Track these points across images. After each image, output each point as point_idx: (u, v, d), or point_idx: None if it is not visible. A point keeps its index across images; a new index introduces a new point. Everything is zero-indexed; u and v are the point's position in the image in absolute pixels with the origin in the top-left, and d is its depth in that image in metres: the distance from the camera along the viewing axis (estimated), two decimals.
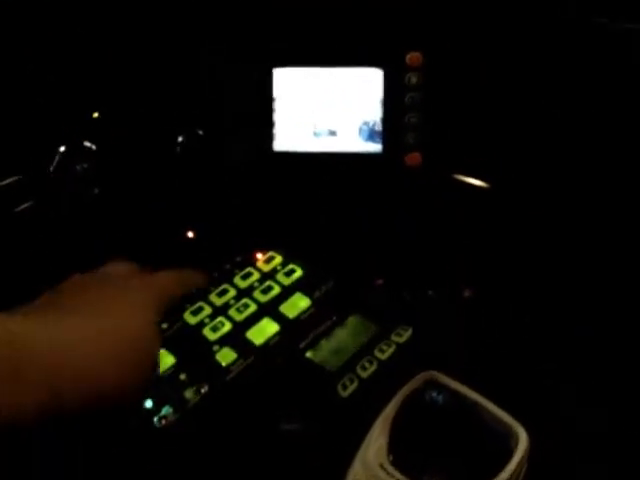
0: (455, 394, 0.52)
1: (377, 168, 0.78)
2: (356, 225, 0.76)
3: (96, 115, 0.76)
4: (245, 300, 0.67)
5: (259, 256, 0.73)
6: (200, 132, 0.80)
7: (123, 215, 0.76)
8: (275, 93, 0.77)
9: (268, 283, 0.69)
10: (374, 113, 0.77)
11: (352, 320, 0.64)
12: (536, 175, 0.76)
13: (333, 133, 0.77)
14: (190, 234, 0.77)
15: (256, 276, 0.70)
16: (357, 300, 0.66)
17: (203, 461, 0.54)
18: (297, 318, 0.65)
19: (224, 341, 0.63)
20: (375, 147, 0.77)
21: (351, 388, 0.57)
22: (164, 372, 0.60)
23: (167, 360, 0.61)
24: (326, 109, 0.77)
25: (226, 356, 0.61)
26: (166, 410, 0.57)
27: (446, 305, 0.67)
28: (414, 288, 0.68)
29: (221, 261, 0.72)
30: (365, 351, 0.60)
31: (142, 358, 0.47)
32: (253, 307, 0.66)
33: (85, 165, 0.73)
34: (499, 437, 0.49)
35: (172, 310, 0.56)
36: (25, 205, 0.71)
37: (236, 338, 0.63)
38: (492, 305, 0.67)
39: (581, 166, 0.74)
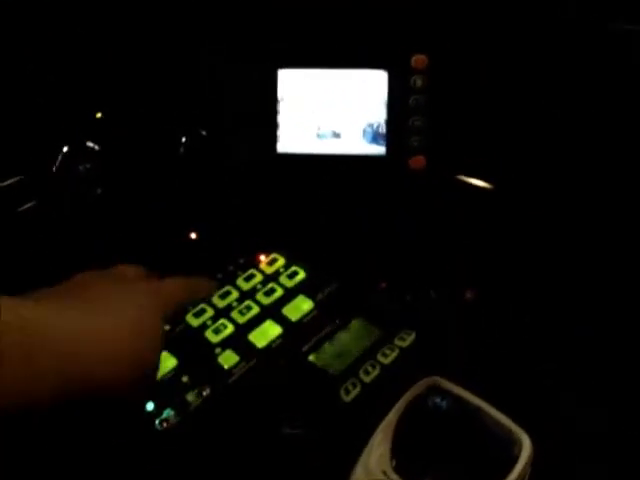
0: (458, 400, 0.52)
1: (381, 171, 0.78)
2: (359, 228, 0.76)
3: (99, 115, 0.76)
4: (248, 302, 0.67)
5: (262, 258, 0.73)
6: (203, 133, 0.79)
7: (126, 215, 0.76)
8: (279, 94, 0.77)
9: (271, 285, 0.69)
10: (378, 115, 0.76)
11: (355, 324, 0.63)
12: (540, 177, 0.76)
13: (337, 135, 0.77)
14: (193, 235, 0.77)
15: (259, 278, 0.70)
16: (360, 303, 0.66)
17: (204, 464, 0.54)
18: (300, 321, 0.65)
19: (226, 343, 0.63)
20: (379, 149, 0.77)
21: (354, 393, 0.56)
22: (166, 374, 0.60)
23: (169, 362, 0.61)
24: (330, 111, 0.77)
25: (228, 359, 0.61)
26: (168, 413, 0.57)
27: (449, 308, 0.67)
28: (417, 291, 0.68)
29: (224, 263, 0.72)
30: (368, 355, 0.60)
31: (147, 355, 0.48)
32: (256, 309, 0.66)
33: (88, 165, 0.73)
34: (502, 443, 0.49)
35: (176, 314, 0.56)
36: (28, 205, 0.70)
37: (238, 341, 0.63)
38: (495, 308, 0.67)
39: (582, 168, 0.74)
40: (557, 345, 0.62)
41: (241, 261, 0.73)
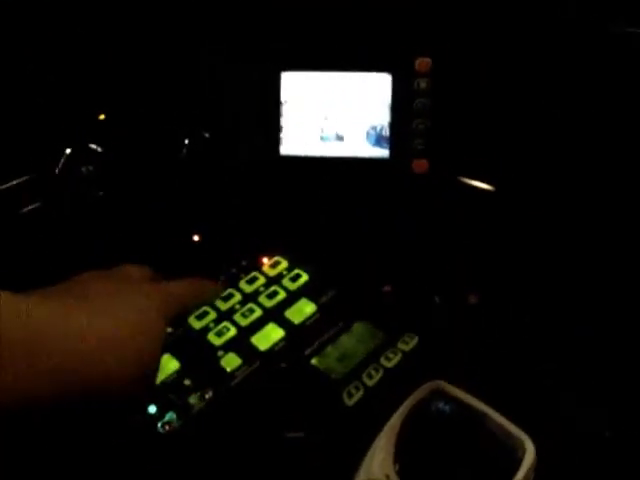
0: (462, 404, 0.52)
1: (384, 174, 0.78)
2: (362, 231, 0.76)
3: (102, 117, 0.76)
4: (250, 305, 0.67)
5: (265, 260, 0.73)
6: (206, 135, 0.79)
7: (128, 217, 0.76)
8: (283, 97, 0.77)
9: (273, 288, 0.69)
10: (382, 118, 0.76)
11: (358, 327, 0.63)
12: (544, 180, 0.76)
13: (340, 138, 0.77)
14: (196, 237, 0.77)
15: (262, 281, 0.70)
16: (363, 307, 0.66)
17: (207, 467, 0.53)
18: (302, 324, 0.65)
19: (229, 346, 0.63)
20: (382, 152, 0.77)
21: (357, 396, 0.56)
22: (168, 377, 0.59)
23: (171, 365, 0.60)
24: (334, 114, 0.77)
25: (231, 361, 0.61)
26: (170, 416, 0.56)
27: (452, 312, 0.66)
28: (421, 295, 0.68)
29: (226, 265, 0.72)
30: (371, 359, 0.60)
31: (147, 355, 0.48)
32: (258, 312, 0.66)
33: (91, 167, 0.73)
34: (506, 448, 0.49)
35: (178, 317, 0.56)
36: (31, 206, 0.70)
37: (241, 343, 0.63)
38: (498, 312, 0.66)
39: (583, 169, 0.74)
40: (557, 345, 0.62)
41: (244, 264, 0.73)
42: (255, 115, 0.78)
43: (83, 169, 0.72)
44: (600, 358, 0.60)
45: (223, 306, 0.67)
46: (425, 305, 0.67)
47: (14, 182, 0.70)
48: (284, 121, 0.78)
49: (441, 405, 0.52)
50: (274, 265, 0.72)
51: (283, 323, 0.65)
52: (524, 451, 0.48)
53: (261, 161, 0.79)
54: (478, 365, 0.59)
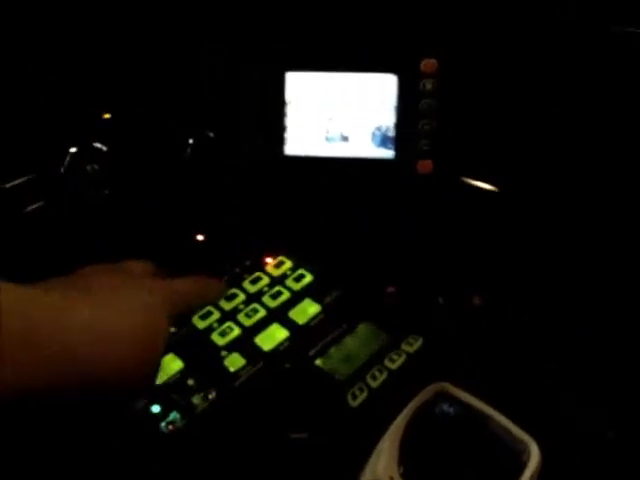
0: (466, 406, 0.51)
1: (389, 174, 0.78)
2: (366, 231, 0.75)
3: (107, 116, 0.76)
4: (254, 305, 0.67)
5: (269, 260, 0.73)
6: (211, 134, 0.79)
7: (133, 216, 0.76)
8: (287, 97, 0.77)
9: (277, 288, 0.69)
10: (387, 119, 0.76)
11: (362, 328, 0.63)
12: (549, 182, 0.76)
13: (345, 138, 0.77)
14: (200, 237, 0.77)
15: (265, 281, 0.70)
16: (367, 308, 0.65)
17: (210, 467, 0.53)
18: (306, 324, 0.65)
19: (233, 346, 0.63)
20: (387, 153, 0.77)
21: (361, 398, 0.56)
22: (172, 377, 0.59)
23: (175, 365, 0.60)
24: (339, 114, 0.77)
25: (235, 362, 0.61)
26: (173, 416, 0.56)
27: (456, 313, 0.66)
28: (425, 296, 0.68)
29: (230, 265, 0.72)
30: (375, 360, 0.59)
31: (148, 353, 0.47)
32: (262, 312, 0.66)
33: (96, 166, 0.73)
34: (511, 451, 0.49)
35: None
36: (35, 205, 0.70)
37: (245, 343, 0.63)
38: (502, 313, 0.66)
39: (586, 171, 0.74)
40: (557, 345, 0.62)
41: (247, 264, 0.73)
42: (260, 115, 0.78)
43: (88, 168, 0.72)
44: (600, 358, 0.60)
45: (227, 306, 0.67)
46: (429, 307, 0.67)
47: (19, 180, 0.70)
48: (289, 121, 0.77)
49: (445, 407, 0.52)
50: (278, 265, 0.72)
51: (287, 323, 0.65)
52: (529, 454, 0.47)
53: (265, 161, 0.79)
54: (483, 367, 0.59)
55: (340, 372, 0.59)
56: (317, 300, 0.67)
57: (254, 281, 0.70)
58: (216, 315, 0.66)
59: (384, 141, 0.77)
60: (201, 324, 0.65)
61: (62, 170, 0.71)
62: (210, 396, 0.58)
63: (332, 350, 0.61)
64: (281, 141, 0.78)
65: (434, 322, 0.64)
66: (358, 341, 0.62)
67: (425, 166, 0.77)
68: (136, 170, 0.76)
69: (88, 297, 0.46)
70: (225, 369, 0.60)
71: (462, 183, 0.79)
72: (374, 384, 0.57)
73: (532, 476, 0.46)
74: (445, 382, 0.53)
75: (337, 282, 0.69)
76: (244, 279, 0.70)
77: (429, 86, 0.75)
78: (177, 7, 0.79)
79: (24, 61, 0.73)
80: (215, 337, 0.64)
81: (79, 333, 0.42)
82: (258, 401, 0.58)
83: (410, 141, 0.76)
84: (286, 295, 0.68)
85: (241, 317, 0.66)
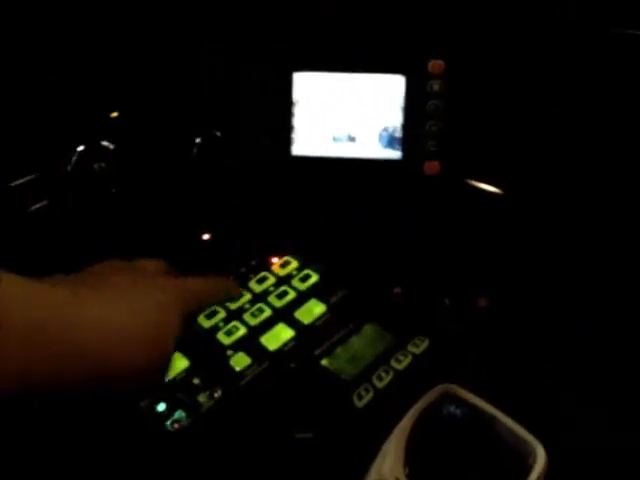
0: (473, 408, 0.51)
1: (396, 175, 0.78)
2: (372, 232, 0.75)
3: (114, 115, 0.76)
4: (260, 305, 0.67)
5: (275, 260, 0.73)
6: (218, 134, 0.79)
7: (139, 215, 0.76)
8: (295, 97, 0.77)
9: (283, 288, 0.69)
10: (394, 120, 0.76)
11: (368, 328, 0.63)
12: (554, 184, 0.76)
13: (352, 139, 0.77)
14: (206, 236, 0.77)
15: (271, 280, 0.70)
16: (373, 308, 0.65)
17: (215, 466, 0.53)
18: (312, 324, 0.64)
19: (238, 346, 0.63)
20: (394, 154, 0.77)
21: (367, 398, 0.56)
22: (177, 376, 0.59)
23: (181, 363, 0.60)
24: (346, 114, 0.77)
25: (240, 361, 0.61)
26: (179, 414, 0.56)
27: (462, 315, 0.66)
28: (431, 297, 0.68)
29: (236, 264, 0.72)
30: (381, 361, 0.59)
31: (158, 351, 0.47)
32: (268, 312, 0.66)
33: (103, 164, 0.73)
34: (517, 453, 0.48)
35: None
36: (41, 204, 0.70)
37: (250, 343, 0.63)
38: (508, 315, 0.66)
39: (589, 174, 0.74)
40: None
41: (253, 263, 0.73)
42: (267, 115, 0.78)
43: (95, 166, 0.72)
44: (600, 358, 0.60)
45: (232, 305, 0.67)
46: (435, 308, 0.67)
47: (26, 179, 0.70)
48: (296, 121, 0.78)
49: (452, 408, 0.52)
50: (284, 265, 0.72)
51: (293, 323, 0.65)
52: (535, 456, 0.47)
53: (272, 161, 0.79)
54: (489, 369, 0.59)
55: (346, 372, 0.59)
56: (323, 300, 0.67)
57: (260, 281, 0.70)
58: (222, 314, 0.66)
59: (391, 142, 0.77)
60: (207, 323, 0.65)
61: (69, 168, 0.71)
62: (216, 395, 0.58)
63: (338, 350, 0.61)
64: (288, 141, 0.78)
65: (440, 323, 0.64)
66: (364, 341, 0.62)
67: (432, 167, 0.77)
68: (143, 169, 0.76)
69: (98, 294, 0.46)
70: (231, 368, 0.60)
71: (469, 185, 0.79)
72: (380, 385, 0.57)
73: (538, 478, 0.46)
74: (451, 383, 0.53)
75: (343, 282, 0.69)
76: (250, 279, 0.70)
77: (436, 87, 0.75)
78: (187, 6, 0.79)
79: (32, 60, 0.73)
80: (221, 336, 0.64)
81: (87, 330, 0.42)
82: (263, 400, 0.58)
83: (417, 142, 0.76)
84: (292, 295, 0.68)
85: (247, 316, 0.66)
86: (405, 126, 0.76)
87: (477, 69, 0.76)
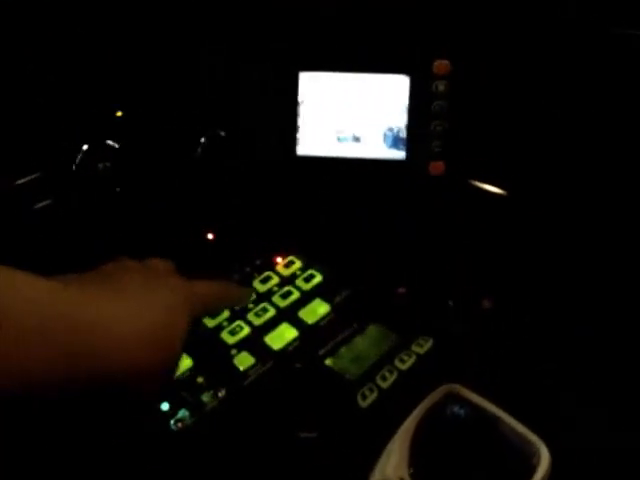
0: (476, 408, 0.51)
1: (400, 175, 0.78)
2: (376, 232, 0.75)
3: (119, 114, 0.76)
4: (264, 304, 0.67)
5: (279, 260, 0.73)
6: (223, 134, 0.79)
7: (143, 214, 0.76)
8: (300, 97, 0.77)
9: (287, 288, 0.69)
10: (399, 120, 0.76)
11: (372, 329, 0.63)
12: (557, 182, 0.76)
13: (357, 139, 0.77)
14: (210, 236, 0.77)
15: (275, 280, 0.70)
16: (377, 308, 0.65)
17: (218, 465, 0.53)
18: (316, 324, 0.65)
19: (242, 345, 0.63)
20: (399, 154, 0.77)
21: (371, 398, 0.56)
22: (181, 375, 0.59)
23: (185, 363, 0.60)
24: (351, 115, 0.77)
25: (244, 360, 0.61)
26: (182, 413, 0.56)
27: (466, 315, 0.66)
28: (435, 297, 0.67)
29: (240, 264, 0.72)
30: (385, 361, 0.59)
31: (167, 352, 0.47)
32: (272, 311, 0.66)
33: (107, 164, 0.73)
34: (521, 453, 0.48)
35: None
36: (45, 202, 0.70)
37: (254, 343, 0.63)
38: (512, 316, 0.66)
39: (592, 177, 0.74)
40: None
41: (258, 263, 0.73)
42: (272, 115, 0.78)
43: (100, 165, 0.72)
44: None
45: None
46: (439, 308, 0.67)
47: (30, 177, 0.70)
48: (301, 121, 0.78)
49: (456, 409, 0.52)
50: (288, 265, 0.72)
51: (297, 323, 0.65)
52: (539, 456, 0.47)
53: (277, 161, 0.79)
54: (493, 369, 0.59)
55: (350, 372, 0.59)
56: (327, 300, 0.67)
57: (264, 280, 0.70)
58: (226, 314, 0.66)
59: (396, 142, 0.77)
60: (211, 322, 0.65)
61: (74, 167, 0.71)
62: (220, 394, 0.58)
63: (342, 350, 0.61)
64: (293, 141, 0.78)
65: (444, 324, 0.64)
66: (368, 341, 0.62)
67: (437, 167, 0.77)
68: (147, 168, 0.76)
69: (109, 294, 0.45)
70: (235, 368, 0.61)
71: (473, 186, 0.79)
72: (384, 385, 0.57)
73: (542, 478, 0.46)
74: (455, 383, 0.53)
75: (347, 282, 0.69)
76: (254, 278, 0.70)
77: (441, 87, 0.75)
78: (193, 6, 0.79)
79: (37, 59, 0.73)
80: (225, 336, 0.64)
81: (98, 330, 0.42)
82: (267, 400, 0.58)
83: (422, 142, 0.76)
84: (296, 295, 0.68)
85: (251, 316, 0.66)
86: (410, 126, 0.76)
87: (482, 70, 0.76)
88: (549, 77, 0.75)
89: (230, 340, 0.63)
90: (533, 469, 0.47)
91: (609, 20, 0.71)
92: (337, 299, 0.67)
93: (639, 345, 0.60)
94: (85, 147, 0.72)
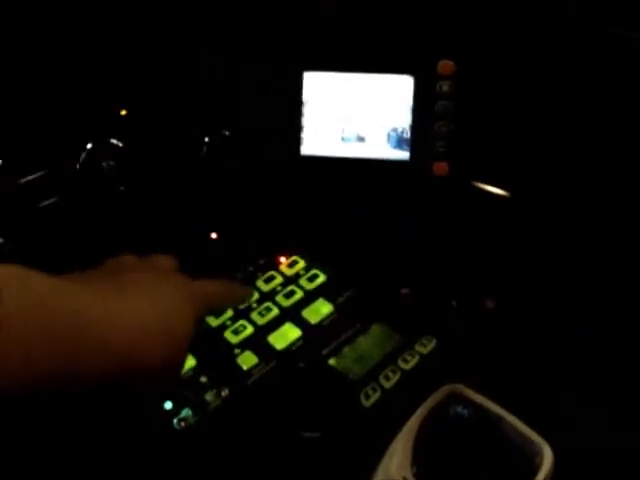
0: (480, 408, 0.51)
1: (404, 176, 0.78)
2: (380, 232, 0.75)
3: (124, 113, 0.76)
4: (267, 304, 0.67)
5: (282, 260, 0.73)
6: (227, 133, 0.79)
7: (147, 214, 0.76)
8: (305, 97, 0.77)
9: (291, 287, 0.69)
10: (403, 120, 0.76)
11: (375, 328, 0.63)
12: (561, 186, 0.76)
13: (361, 139, 0.77)
14: (213, 235, 0.77)
15: (279, 280, 0.70)
16: (381, 308, 0.65)
17: (221, 465, 0.53)
18: (319, 324, 0.65)
19: (246, 344, 0.63)
20: (403, 154, 0.77)
21: (374, 398, 0.56)
22: (185, 374, 0.59)
23: (188, 362, 0.60)
24: (355, 115, 0.77)
25: (247, 360, 0.61)
26: (186, 412, 0.57)
27: (469, 316, 0.66)
28: (438, 298, 0.67)
29: (244, 263, 0.72)
30: (388, 360, 0.59)
31: (174, 349, 0.47)
32: (275, 311, 0.66)
33: (111, 162, 0.73)
34: (524, 453, 0.48)
35: None
36: (51, 200, 0.71)
37: (258, 342, 0.63)
38: (515, 316, 0.66)
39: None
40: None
41: (261, 262, 0.73)
42: (276, 115, 0.78)
43: (104, 164, 0.72)
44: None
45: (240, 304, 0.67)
46: (442, 308, 0.66)
47: (34, 175, 0.70)
48: (305, 121, 0.78)
49: (459, 409, 0.52)
50: (291, 265, 0.72)
51: (300, 323, 0.65)
52: (542, 456, 0.47)
53: (281, 161, 0.79)
54: (496, 369, 0.59)
55: (353, 372, 0.59)
56: (330, 300, 0.67)
57: (267, 280, 0.70)
58: (229, 313, 0.66)
59: (400, 142, 0.77)
60: (214, 322, 0.65)
61: (78, 166, 0.71)
62: (223, 393, 0.58)
63: (345, 350, 0.61)
64: (297, 141, 0.78)
65: (447, 324, 0.64)
66: (371, 341, 0.62)
67: (441, 168, 0.77)
68: (151, 167, 0.77)
69: (114, 290, 0.45)
70: (238, 367, 0.61)
71: (476, 187, 0.79)
72: (387, 384, 0.57)
73: (545, 478, 0.46)
74: (458, 383, 0.53)
75: (350, 282, 0.69)
76: (257, 278, 0.71)
77: (446, 88, 0.75)
78: (197, 6, 0.79)
79: (42, 59, 0.73)
80: (228, 335, 0.64)
81: (109, 327, 0.42)
82: (271, 400, 0.58)
83: (426, 143, 0.76)
84: (299, 294, 0.68)
85: (254, 315, 0.66)
86: (414, 127, 0.76)
87: (487, 70, 0.76)
88: (551, 78, 0.75)
89: (233, 339, 0.63)
90: (536, 469, 0.47)
91: (609, 20, 0.71)
92: (340, 299, 0.67)
93: (639, 345, 0.60)
94: (89, 146, 0.72)
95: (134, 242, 0.71)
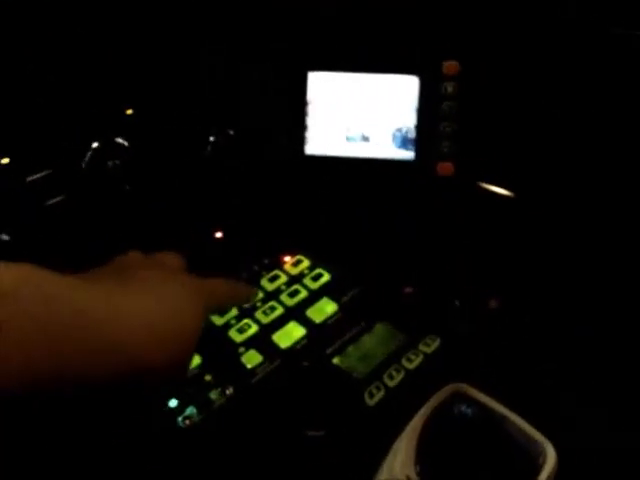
0: (483, 407, 0.51)
1: (408, 176, 0.78)
2: (384, 232, 0.75)
3: (129, 112, 0.76)
4: (272, 303, 0.67)
5: (287, 259, 0.73)
6: (232, 133, 0.80)
7: (153, 213, 0.76)
8: (309, 96, 0.77)
9: (295, 287, 0.69)
10: (408, 120, 0.76)
11: (380, 327, 0.63)
12: (565, 187, 0.76)
13: (366, 139, 0.77)
14: (218, 234, 0.77)
15: (283, 279, 0.70)
16: (385, 307, 0.66)
17: (226, 463, 0.54)
18: (324, 323, 0.65)
19: (250, 343, 0.63)
20: (407, 154, 0.77)
21: (378, 396, 0.56)
22: (189, 372, 0.60)
23: (193, 360, 0.60)
24: (360, 114, 0.77)
25: (252, 358, 0.61)
26: (190, 410, 0.57)
27: (473, 315, 0.66)
28: (442, 297, 0.68)
29: (249, 262, 0.72)
30: (393, 359, 0.60)
31: (182, 347, 0.47)
32: (280, 310, 0.66)
33: (117, 161, 0.73)
34: (527, 453, 0.48)
35: None
36: (56, 199, 0.71)
37: (262, 341, 0.63)
38: (519, 316, 0.66)
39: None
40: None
41: (266, 261, 0.73)
42: (281, 114, 0.78)
43: (109, 163, 0.72)
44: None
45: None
46: (446, 308, 0.67)
47: (40, 174, 0.70)
48: (310, 121, 0.78)
49: (463, 408, 0.52)
50: (296, 264, 0.72)
51: (304, 322, 0.65)
52: (545, 456, 0.47)
53: (286, 160, 0.79)
54: (499, 369, 0.59)
55: (357, 371, 0.59)
56: (335, 299, 0.67)
57: (272, 279, 0.70)
58: (234, 312, 0.66)
59: (405, 142, 0.77)
60: (219, 320, 0.65)
61: (83, 165, 0.71)
62: (227, 392, 0.58)
63: (349, 349, 0.61)
64: (302, 140, 0.78)
65: (451, 323, 0.64)
66: (375, 340, 0.62)
67: (445, 168, 0.77)
68: (157, 166, 0.77)
69: (121, 288, 0.45)
70: (242, 366, 0.61)
71: (481, 187, 0.79)
72: (391, 383, 0.57)
73: (548, 477, 0.46)
74: (462, 383, 0.53)
75: (355, 281, 0.69)
76: (262, 277, 0.71)
77: (450, 88, 0.75)
78: (201, 6, 0.79)
79: (48, 58, 0.73)
80: (233, 334, 0.64)
81: (118, 325, 0.42)
82: (275, 398, 0.58)
83: (431, 143, 0.76)
84: (304, 293, 0.68)
85: (259, 314, 0.66)
86: (419, 127, 0.76)
87: (492, 71, 0.76)
88: (555, 78, 0.75)
89: (238, 338, 0.63)
90: (539, 468, 0.47)
91: (609, 20, 0.71)
92: (345, 298, 0.67)
93: (639, 345, 0.60)
94: (95, 145, 0.72)
95: (139, 241, 0.71)
